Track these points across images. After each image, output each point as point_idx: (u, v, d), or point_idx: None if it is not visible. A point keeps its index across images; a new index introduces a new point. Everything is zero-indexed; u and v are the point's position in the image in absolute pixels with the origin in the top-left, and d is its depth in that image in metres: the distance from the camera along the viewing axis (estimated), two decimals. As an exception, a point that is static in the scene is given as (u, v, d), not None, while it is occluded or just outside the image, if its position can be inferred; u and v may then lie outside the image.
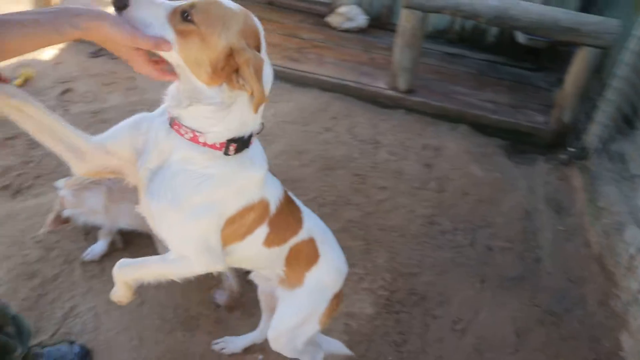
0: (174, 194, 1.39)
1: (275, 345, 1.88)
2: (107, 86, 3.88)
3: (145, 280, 1.60)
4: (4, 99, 1.29)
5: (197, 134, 1.36)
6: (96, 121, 3.50)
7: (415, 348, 2.43)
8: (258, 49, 1.31)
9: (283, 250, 1.71)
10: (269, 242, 1.63)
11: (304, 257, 1.76)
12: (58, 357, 2.10)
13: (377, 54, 4.59)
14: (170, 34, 1.23)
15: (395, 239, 2.98)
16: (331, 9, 5.01)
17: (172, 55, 1.26)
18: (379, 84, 4.12)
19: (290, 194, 1.76)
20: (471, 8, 3.70)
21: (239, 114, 1.34)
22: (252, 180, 1.49)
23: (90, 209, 2.43)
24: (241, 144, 1.40)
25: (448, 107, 4.00)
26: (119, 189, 2.37)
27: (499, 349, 2.49)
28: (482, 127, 3.96)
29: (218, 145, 1.37)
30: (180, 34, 1.23)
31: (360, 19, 4.87)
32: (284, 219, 1.65)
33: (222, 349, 2.31)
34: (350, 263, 2.73)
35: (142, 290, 1.75)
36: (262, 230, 1.58)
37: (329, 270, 1.81)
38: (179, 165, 1.39)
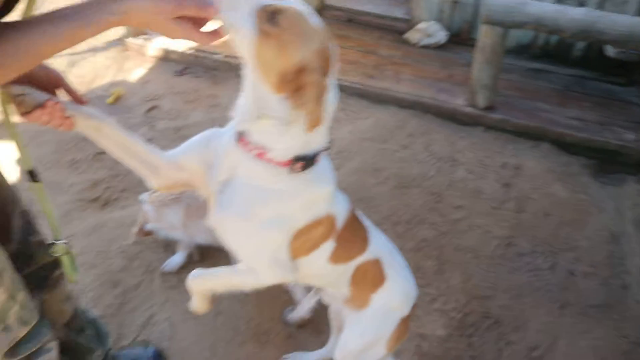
0: (242, 207, 1.43)
1: (341, 367, 1.88)
2: (190, 103, 4.05)
3: (218, 290, 1.64)
4: (83, 120, 1.38)
5: (263, 150, 1.38)
6: (179, 137, 3.65)
7: (488, 374, 2.36)
8: (326, 72, 1.31)
9: (348, 268, 1.71)
10: (335, 258, 1.63)
11: (370, 278, 1.74)
12: (133, 358, 2.20)
13: (455, 70, 4.52)
14: (250, 27, 1.22)
15: (469, 260, 2.90)
16: (410, 25, 4.99)
17: (246, 51, 1.26)
18: (458, 101, 4.05)
19: (360, 213, 1.76)
20: (554, 23, 3.57)
21: (301, 132, 1.34)
22: (319, 196, 1.50)
23: (169, 224, 2.55)
24: (307, 161, 1.41)
25: (530, 124, 3.87)
26: (197, 207, 2.46)
27: (579, 380, 2.37)
28: (565, 146, 3.79)
29: (284, 163, 1.39)
30: (262, 33, 1.22)
31: (440, 35, 4.81)
32: (350, 236, 1.65)
33: (291, 364, 2.34)
34: (423, 283, 2.73)
35: (217, 303, 1.81)
36: (328, 245, 1.59)
37: (396, 293, 1.78)
38: (246, 179, 1.42)
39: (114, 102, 3.91)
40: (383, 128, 3.89)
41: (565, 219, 3.21)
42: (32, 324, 1.47)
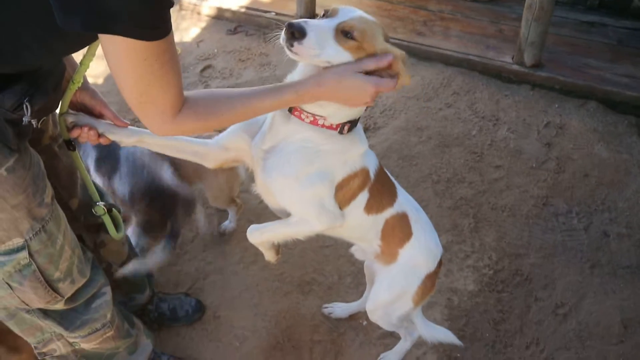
0: (291, 167, 1.62)
1: (372, 317, 2.09)
2: (243, 62, 4.22)
3: (275, 241, 1.85)
4: (126, 138, 1.65)
5: (318, 117, 1.58)
6: (232, 96, 3.85)
7: (513, 328, 2.52)
8: None
9: (379, 220, 1.86)
10: (369, 208, 1.79)
11: (397, 233, 1.89)
12: (177, 304, 2.51)
13: (505, 25, 4.48)
14: (341, 52, 1.45)
15: (505, 219, 3.02)
16: (462, -23, 4.93)
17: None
18: (505, 59, 4.05)
19: (386, 170, 1.91)
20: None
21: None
22: (357, 153, 1.70)
23: None
24: (353, 124, 1.63)
25: (577, 82, 3.84)
26: None
27: (602, 338, 2.49)
28: (613, 104, 3.76)
29: (334, 127, 1.60)
30: (348, 49, 1.45)
31: (492, -12, 4.76)
32: (381, 188, 1.81)
33: (330, 313, 2.56)
34: (459, 240, 2.89)
35: (262, 257, 2.01)
36: (364, 196, 1.76)
37: (421, 250, 1.93)
38: (298, 144, 1.62)
39: (171, 62, 4.11)
40: (428, 86, 3.96)
41: (604, 180, 3.25)
42: (89, 275, 1.74)
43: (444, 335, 2.22)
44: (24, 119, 1.32)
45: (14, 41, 1.22)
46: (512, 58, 4.03)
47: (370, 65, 1.44)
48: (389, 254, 1.94)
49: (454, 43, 4.26)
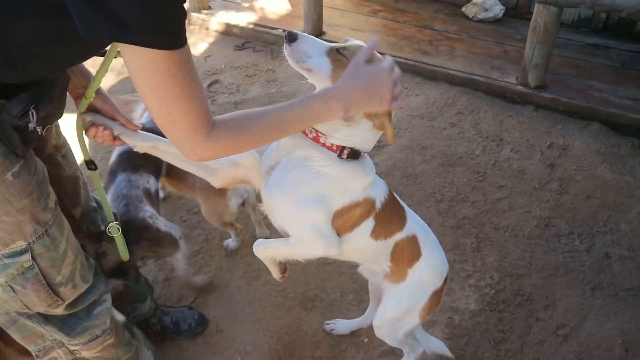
0: (289, 184, 1.65)
1: (378, 333, 2.11)
2: (250, 78, 4.27)
3: (277, 258, 1.88)
4: (140, 142, 1.69)
5: (320, 135, 1.62)
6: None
7: (514, 348, 2.53)
8: None
9: (388, 244, 1.89)
10: (376, 234, 1.83)
11: (407, 254, 1.93)
12: (180, 317, 2.53)
13: (510, 46, 4.53)
14: (327, 63, 1.55)
15: (507, 239, 3.04)
16: (468, -2, 4.99)
17: (326, 81, 1.56)
18: (509, 79, 4.09)
19: (395, 195, 1.93)
20: (611, 2, 3.54)
21: (361, 134, 1.62)
22: (358, 185, 1.73)
23: None
24: (353, 153, 1.66)
25: (581, 104, 3.87)
26: None
27: None
28: (617, 126, 3.78)
29: (334, 148, 1.64)
30: (335, 64, 1.55)
31: (496, 9, 4.80)
32: (389, 215, 1.84)
33: (332, 329, 2.57)
34: (461, 259, 2.90)
35: (266, 272, 2.02)
36: (369, 224, 1.79)
37: (429, 269, 1.97)
38: (299, 161, 1.66)
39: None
40: (433, 105, 3.99)
41: (607, 202, 3.26)
42: (91, 282, 1.77)
43: (438, 346, 2.31)
44: (29, 125, 1.37)
45: (20, 48, 1.25)
46: (517, 79, 4.06)
47: (367, 52, 1.51)
48: (398, 274, 1.98)
49: (459, 63, 4.31)
